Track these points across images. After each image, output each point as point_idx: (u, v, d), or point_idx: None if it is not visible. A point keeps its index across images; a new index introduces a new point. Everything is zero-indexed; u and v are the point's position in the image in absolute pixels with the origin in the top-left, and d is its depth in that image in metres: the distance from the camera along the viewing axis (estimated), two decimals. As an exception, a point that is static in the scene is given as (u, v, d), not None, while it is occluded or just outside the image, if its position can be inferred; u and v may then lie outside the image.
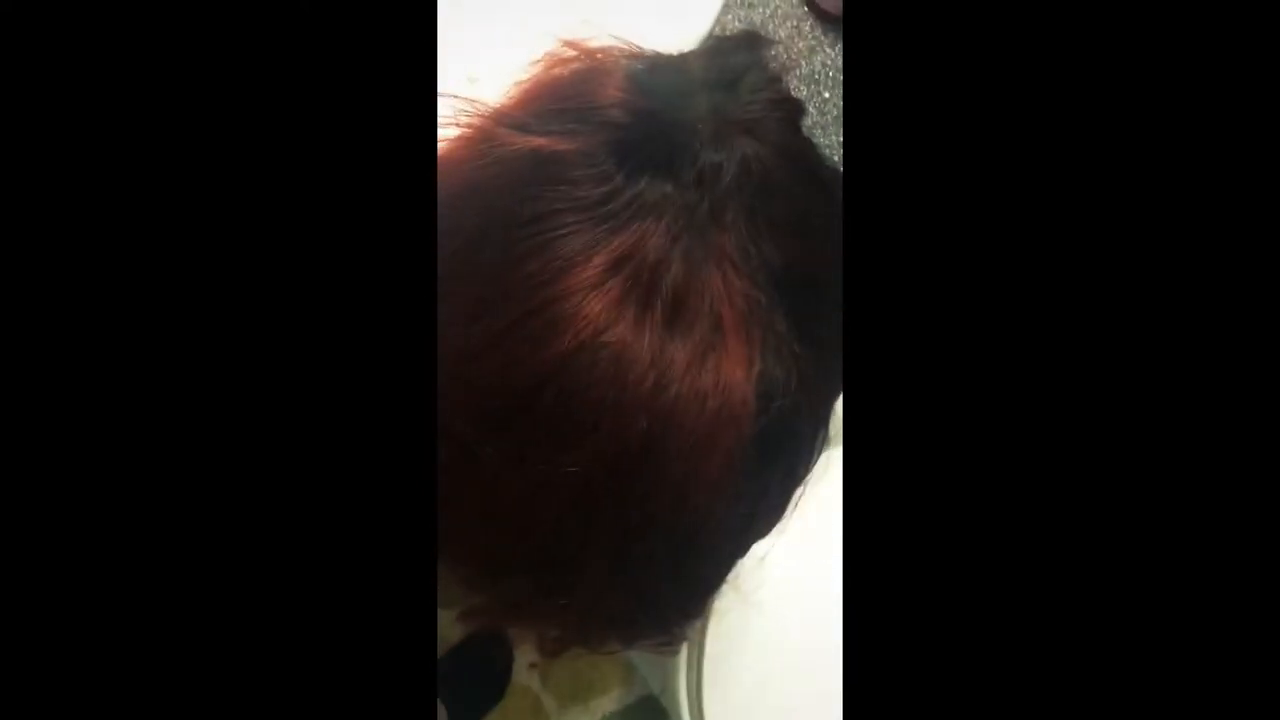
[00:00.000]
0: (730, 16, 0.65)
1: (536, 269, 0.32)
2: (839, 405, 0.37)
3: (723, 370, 0.32)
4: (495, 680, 0.69)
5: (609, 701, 0.66)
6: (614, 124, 0.33)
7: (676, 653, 0.41)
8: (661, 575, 0.36)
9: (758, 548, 0.39)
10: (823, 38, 0.67)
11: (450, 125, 0.36)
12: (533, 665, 0.66)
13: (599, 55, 0.37)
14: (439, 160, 0.36)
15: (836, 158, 0.37)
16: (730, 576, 0.39)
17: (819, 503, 0.39)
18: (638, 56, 0.37)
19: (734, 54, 0.37)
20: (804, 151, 0.37)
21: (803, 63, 0.67)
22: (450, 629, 0.75)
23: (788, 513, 0.38)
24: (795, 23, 0.68)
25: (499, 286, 0.32)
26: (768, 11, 0.68)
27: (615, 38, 0.37)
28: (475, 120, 0.36)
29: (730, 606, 0.54)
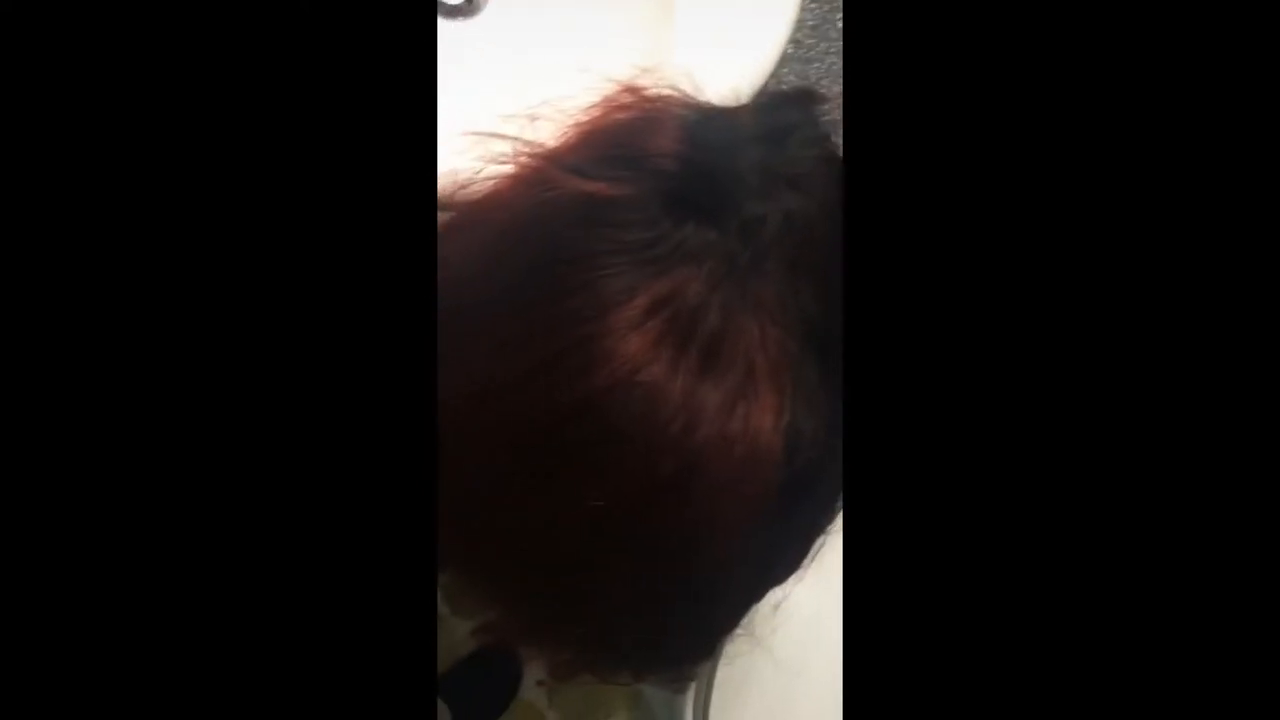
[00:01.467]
0: (786, 69, 0.66)
1: (579, 306, 0.33)
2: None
3: (752, 418, 0.33)
4: (501, 693, 0.69)
5: (614, 727, 0.66)
6: (664, 173, 0.34)
7: (684, 690, 0.42)
8: (675, 615, 0.37)
9: (773, 594, 0.40)
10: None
11: (506, 162, 0.37)
12: (540, 683, 0.66)
13: (655, 103, 0.38)
14: (489, 195, 0.37)
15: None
16: (744, 621, 0.39)
17: (839, 552, 0.39)
18: (692, 107, 0.38)
19: (786, 110, 0.38)
20: None
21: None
22: (463, 642, 0.76)
23: (807, 561, 0.39)
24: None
25: (543, 320, 0.34)
26: (823, 67, 0.68)
27: (672, 87, 0.38)
28: (530, 160, 0.37)
29: (741, 650, 0.54)
